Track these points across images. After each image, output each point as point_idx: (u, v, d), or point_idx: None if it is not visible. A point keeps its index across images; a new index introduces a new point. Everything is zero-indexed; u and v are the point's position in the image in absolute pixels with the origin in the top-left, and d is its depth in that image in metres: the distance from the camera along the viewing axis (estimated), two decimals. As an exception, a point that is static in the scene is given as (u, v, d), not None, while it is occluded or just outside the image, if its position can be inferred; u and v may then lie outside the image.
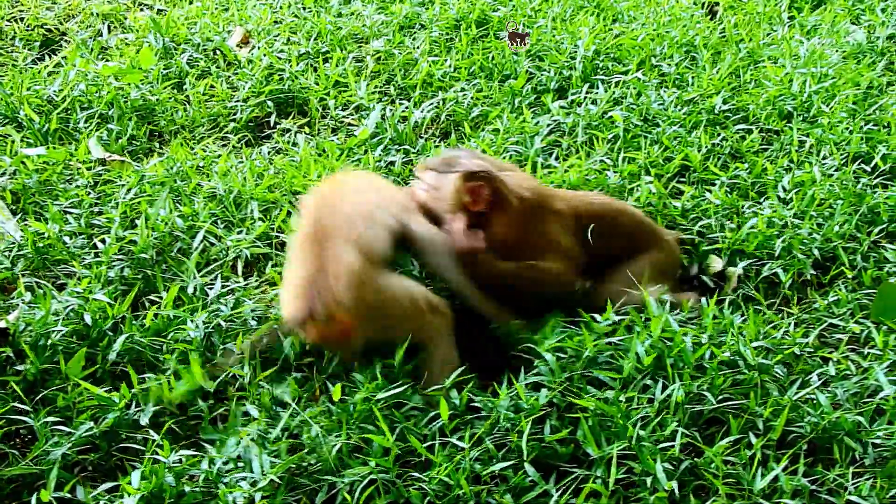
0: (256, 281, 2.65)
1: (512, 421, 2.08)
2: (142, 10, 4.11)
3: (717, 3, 4.37)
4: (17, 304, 2.46)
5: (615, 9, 4.13)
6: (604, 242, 2.57)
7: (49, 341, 2.31)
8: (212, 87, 3.53)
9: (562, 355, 2.23)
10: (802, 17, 4.24)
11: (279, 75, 3.58)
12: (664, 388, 2.12)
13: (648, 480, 1.94)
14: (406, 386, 2.16)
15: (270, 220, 2.79)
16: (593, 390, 2.14)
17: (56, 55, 3.68)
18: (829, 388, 2.20)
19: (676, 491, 1.95)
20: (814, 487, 1.98)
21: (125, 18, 4.03)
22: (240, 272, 2.64)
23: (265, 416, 2.14)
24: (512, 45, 3.64)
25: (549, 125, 3.25)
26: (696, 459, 2.03)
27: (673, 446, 2.00)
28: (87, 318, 2.36)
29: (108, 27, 3.97)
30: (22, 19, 3.85)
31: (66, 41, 3.85)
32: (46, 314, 2.35)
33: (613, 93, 3.43)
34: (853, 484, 1.99)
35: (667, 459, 1.98)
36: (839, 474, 2.01)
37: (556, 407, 2.13)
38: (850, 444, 2.06)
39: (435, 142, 3.28)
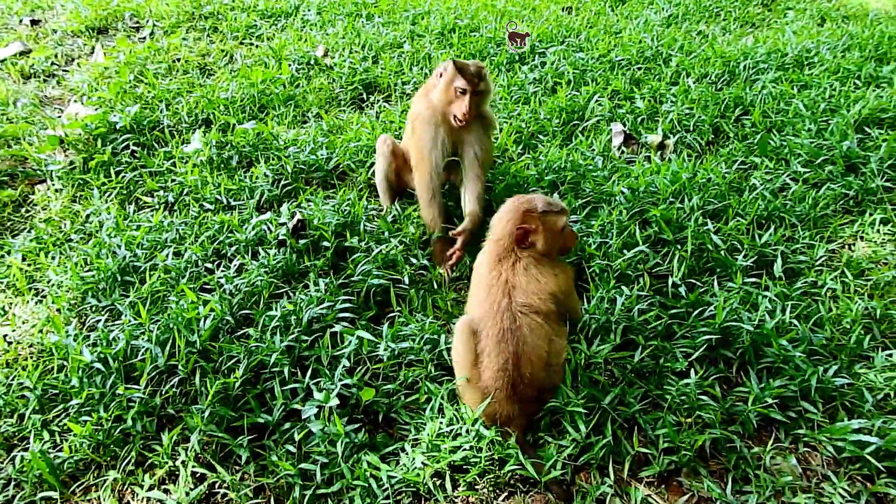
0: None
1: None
2: (243, 45, 6.14)
3: (571, 8, 7.04)
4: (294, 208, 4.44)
5: (512, 13, 6.65)
6: None
7: (333, 229, 4.30)
8: (320, 84, 5.62)
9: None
10: (622, 7, 6.96)
11: (358, 70, 5.73)
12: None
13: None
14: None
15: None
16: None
17: (214, 75, 5.66)
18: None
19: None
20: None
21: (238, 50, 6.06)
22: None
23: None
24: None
25: (530, 81, 5.62)
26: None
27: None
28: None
29: (240, 55, 5.98)
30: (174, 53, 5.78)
31: (214, 68, 5.83)
32: (323, 213, 4.35)
33: (554, 59, 5.86)
34: None
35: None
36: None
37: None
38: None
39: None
